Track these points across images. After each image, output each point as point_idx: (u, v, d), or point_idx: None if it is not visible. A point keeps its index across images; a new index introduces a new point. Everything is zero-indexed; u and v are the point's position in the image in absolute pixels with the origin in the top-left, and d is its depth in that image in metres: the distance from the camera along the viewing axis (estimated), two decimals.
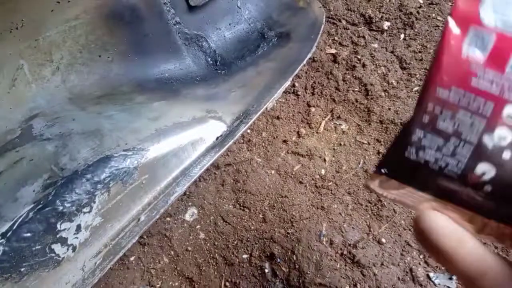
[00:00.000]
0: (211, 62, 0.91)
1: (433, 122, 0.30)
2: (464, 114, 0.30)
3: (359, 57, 1.23)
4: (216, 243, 0.95)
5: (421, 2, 1.34)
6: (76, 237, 0.59)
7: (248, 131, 1.10)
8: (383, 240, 0.91)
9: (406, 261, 0.88)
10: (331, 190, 0.99)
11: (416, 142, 0.30)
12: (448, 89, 0.30)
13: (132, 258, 0.93)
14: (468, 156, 0.29)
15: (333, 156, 1.05)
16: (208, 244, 0.95)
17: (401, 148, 0.31)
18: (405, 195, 0.32)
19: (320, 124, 1.11)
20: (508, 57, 0.29)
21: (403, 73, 1.20)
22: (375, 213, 0.95)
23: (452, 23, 0.32)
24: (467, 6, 0.32)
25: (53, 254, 0.58)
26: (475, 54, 0.30)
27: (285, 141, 1.09)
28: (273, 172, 1.04)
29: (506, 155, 0.28)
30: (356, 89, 1.16)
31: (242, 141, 1.09)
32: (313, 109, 1.14)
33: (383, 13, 1.33)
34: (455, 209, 0.30)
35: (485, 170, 0.29)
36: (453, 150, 0.30)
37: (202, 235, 0.96)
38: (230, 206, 0.99)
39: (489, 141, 0.29)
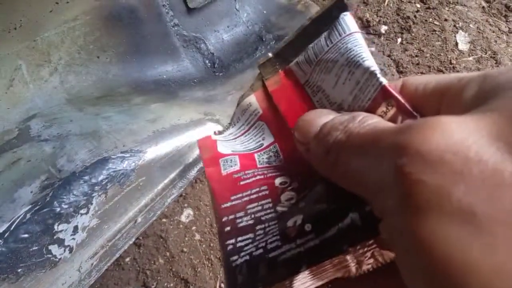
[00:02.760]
0: (209, 64, 0.91)
1: (235, 227, 0.34)
2: (252, 206, 0.35)
3: None
4: (211, 245, 0.95)
5: (419, 6, 1.35)
6: (73, 238, 0.60)
7: None
8: None
9: None
10: None
11: (234, 250, 0.33)
12: (229, 200, 0.36)
13: (127, 259, 0.93)
14: (277, 226, 0.32)
15: None
16: (203, 246, 0.95)
17: (230, 266, 0.32)
18: None
19: None
20: (253, 159, 0.41)
21: (400, 77, 1.20)
22: None
23: (207, 169, 0.41)
24: (209, 153, 0.43)
25: (50, 255, 0.58)
26: (231, 168, 0.40)
27: None
28: None
29: (301, 204, 0.33)
30: None
31: None
32: None
33: (380, 17, 1.34)
34: (321, 270, 0.30)
35: (294, 220, 0.32)
36: (263, 232, 0.33)
37: (197, 236, 0.96)
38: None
39: (282, 207, 0.34)
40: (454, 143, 0.18)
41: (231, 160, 0.41)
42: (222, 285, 0.91)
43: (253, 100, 0.45)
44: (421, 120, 0.20)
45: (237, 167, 0.40)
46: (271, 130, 0.43)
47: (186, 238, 0.96)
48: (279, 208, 0.34)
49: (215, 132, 0.53)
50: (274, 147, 0.42)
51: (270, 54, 0.43)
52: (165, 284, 0.91)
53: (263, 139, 0.43)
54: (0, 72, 0.69)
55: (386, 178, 0.20)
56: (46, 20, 0.73)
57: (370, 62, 0.32)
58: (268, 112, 0.43)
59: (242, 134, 0.45)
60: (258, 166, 0.40)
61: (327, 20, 0.38)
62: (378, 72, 0.31)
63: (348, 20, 0.36)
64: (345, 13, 0.36)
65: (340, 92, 0.35)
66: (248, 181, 0.38)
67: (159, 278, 0.91)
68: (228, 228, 0.34)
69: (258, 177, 0.38)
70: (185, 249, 0.94)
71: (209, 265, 0.93)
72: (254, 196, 0.36)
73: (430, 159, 0.18)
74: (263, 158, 0.41)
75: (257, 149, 0.42)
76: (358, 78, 0.33)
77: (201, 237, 0.96)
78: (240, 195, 0.37)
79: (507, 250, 0.16)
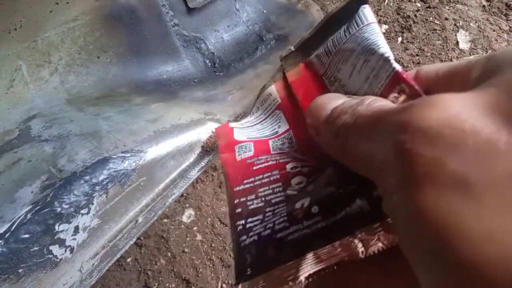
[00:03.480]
0: (209, 64, 0.91)
1: (245, 209, 0.36)
2: (263, 189, 0.37)
3: None
4: (213, 245, 0.95)
5: (419, 5, 1.35)
6: (74, 239, 0.59)
7: None
8: None
9: None
10: None
11: (243, 231, 0.34)
12: (241, 184, 0.38)
13: (129, 260, 0.93)
14: (285, 208, 0.34)
15: None
16: (205, 246, 0.95)
17: (239, 246, 0.34)
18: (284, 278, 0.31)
19: None
20: (268, 145, 0.42)
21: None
22: None
23: (223, 155, 0.43)
24: (225, 140, 0.45)
25: (51, 256, 0.58)
26: (246, 154, 0.41)
27: None
28: None
29: (310, 188, 0.34)
30: None
31: None
32: None
33: (380, 16, 1.33)
34: (327, 251, 0.30)
35: (302, 203, 0.33)
36: (272, 213, 0.34)
37: (199, 237, 0.96)
38: (227, 208, 0.99)
39: (291, 190, 0.36)
40: (452, 117, 0.19)
41: (246, 146, 0.43)
42: (224, 285, 0.90)
43: (273, 90, 0.46)
44: (423, 98, 0.21)
45: (251, 153, 0.41)
46: (287, 118, 0.45)
47: (188, 239, 0.96)
48: (289, 192, 0.35)
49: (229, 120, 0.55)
50: (289, 134, 0.43)
51: (292, 48, 0.44)
52: (167, 284, 0.91)
53: (278, 127, 0.45)
54: (0, 73, 0.68)
55: (389, 156, 0.21)
56: (46, 20, 0.73)
57: (385, 49, 0.33)
58: (286, 102, 0.45)
59: (259, 122, 0.47)
60: (272, 152, 0.41)
61: (346, 14, 0.39)
62: (392, 58, 0.32)
63: (366, 12, 0.37)
64: (364, 5, 0.37)
65: (356, 81, 0.36)
66: (260, 166, 0.39)
67: (160, 278, 0.91)
68: (239, 210, 0.36)
69: (270, 162, 0.39)
70: (186, 250, 0.94)
71: (211, 265, 0.92)
72: (266, 180, 0.37)
73: (429, 134, 0.19)
74: (277, 145, 0.42)
75: (272, 136, 0.44)
76: (373, 64, 0.34)
77: (202, 237, 0.96)
78: (252, 179, 0.38)
79: (498, 216, 0.17)
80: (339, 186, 0.31)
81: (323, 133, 0.30)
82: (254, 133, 0.46)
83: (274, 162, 0.39)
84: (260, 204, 0.35)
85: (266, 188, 0.37)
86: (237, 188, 0.38)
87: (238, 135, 0.45)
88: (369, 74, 0.34)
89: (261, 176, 0.38)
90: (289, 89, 0.44)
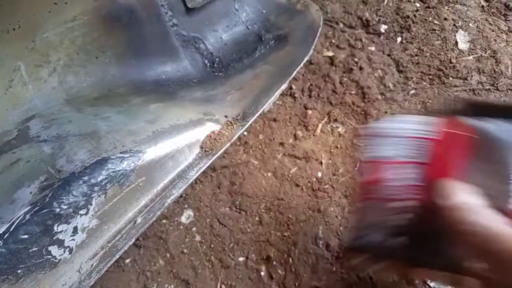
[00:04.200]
0: (208, 64, 0.91)
1: (367, 216, 0.50)
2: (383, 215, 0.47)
3: (356, 60, 1.23)
4: (212, 246, 0.95)
5: (418, 5, 1.35)
6: (73, 239, 0.59)
7: (245, 133, 1.10)
8: None
9: None
10: (328, 193, 0.99)
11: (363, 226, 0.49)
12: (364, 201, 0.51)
13: (127, 261, 0.93)
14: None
15: (330, 159, 1.05)
16: (204, 247, 0.95)
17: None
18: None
19: (317, 126, 1.11)
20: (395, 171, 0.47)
21: (400, 76, 1.20)
22: None
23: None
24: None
25: (49, 256, 0.58)
26: (375, 175, 0.48)
27: (282, 144, 1.09)
28: (269, 174, 1.03)
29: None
30: (353, 92, 1.17)
31: (238, 143, 1.09)
32: (310, 112, 1.14)
33: (380, 16, 1.33)
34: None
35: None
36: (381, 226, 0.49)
37: (198, 238, 0.96)
38: (226, 209, 0.99)
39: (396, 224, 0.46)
40: None
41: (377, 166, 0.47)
42: (223, 286, 0.90)
43: (434, 121, 0.47)
44: None
45: (383, 175, 0.46)
46: (433, 155, 0.45)
47: (187, 239, 0.95)
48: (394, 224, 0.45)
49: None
50: (422, 169, 0.45)
51: (465, 98, 0.46)
52: (166, 285, 0.90)
53: (415, 155, 0.46)
54: None
55: None
56: (45, 21, 0.72)
57: None
58: (442, 143, 0.45)
59: (405, 137, 0.47)
60: (397, 183, 0.45)
61: None
62: None
63: None
64: None
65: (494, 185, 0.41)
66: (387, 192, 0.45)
67: (159, 279, 0.91)
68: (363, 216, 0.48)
69: (396, 192, 0.45)
70: (185, 250, 0.94)
71: (210, 266, 0.92)
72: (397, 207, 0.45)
73: None
74: (403, 173, 0.46)
75: (408, 160, 0.46)
76: None
77: (201, 238, 0.96)
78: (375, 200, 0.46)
79: None
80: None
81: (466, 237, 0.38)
82: (391, 148, 0.48)
83: (396, 192, 0.45)
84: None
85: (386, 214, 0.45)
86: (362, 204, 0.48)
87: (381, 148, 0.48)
88: None
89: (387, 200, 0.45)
90: (450, 137, 0.44)
